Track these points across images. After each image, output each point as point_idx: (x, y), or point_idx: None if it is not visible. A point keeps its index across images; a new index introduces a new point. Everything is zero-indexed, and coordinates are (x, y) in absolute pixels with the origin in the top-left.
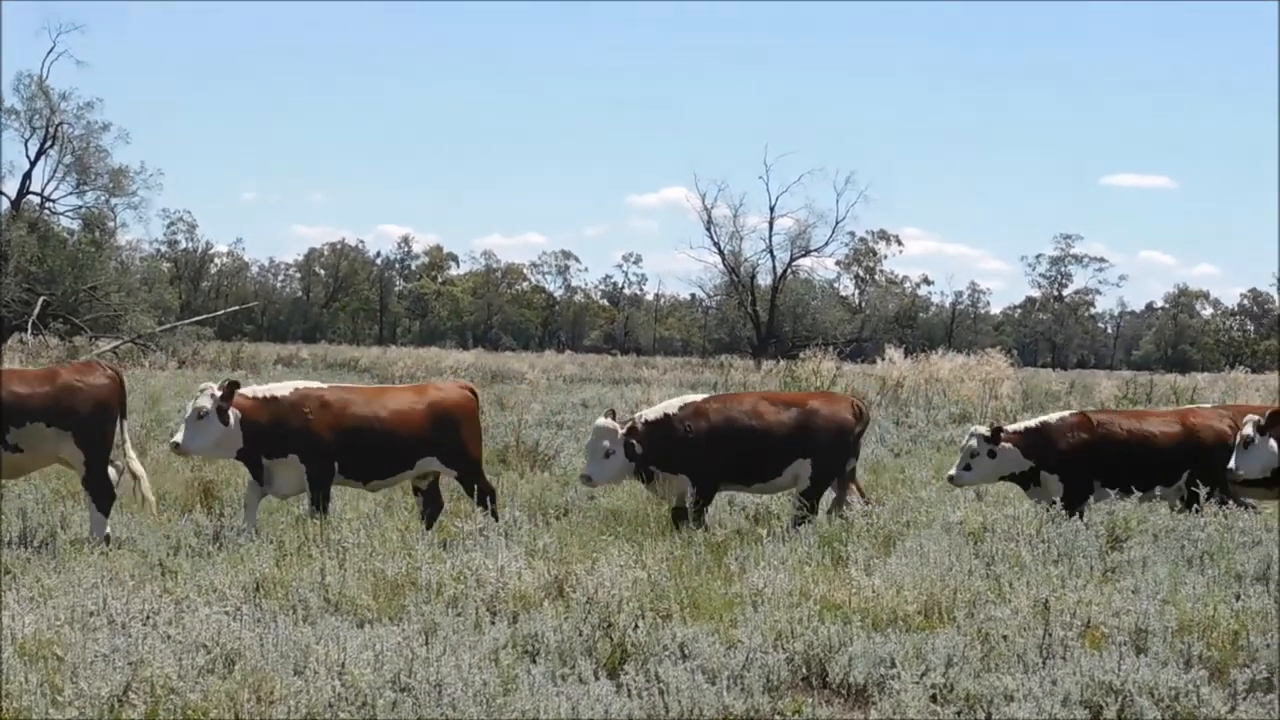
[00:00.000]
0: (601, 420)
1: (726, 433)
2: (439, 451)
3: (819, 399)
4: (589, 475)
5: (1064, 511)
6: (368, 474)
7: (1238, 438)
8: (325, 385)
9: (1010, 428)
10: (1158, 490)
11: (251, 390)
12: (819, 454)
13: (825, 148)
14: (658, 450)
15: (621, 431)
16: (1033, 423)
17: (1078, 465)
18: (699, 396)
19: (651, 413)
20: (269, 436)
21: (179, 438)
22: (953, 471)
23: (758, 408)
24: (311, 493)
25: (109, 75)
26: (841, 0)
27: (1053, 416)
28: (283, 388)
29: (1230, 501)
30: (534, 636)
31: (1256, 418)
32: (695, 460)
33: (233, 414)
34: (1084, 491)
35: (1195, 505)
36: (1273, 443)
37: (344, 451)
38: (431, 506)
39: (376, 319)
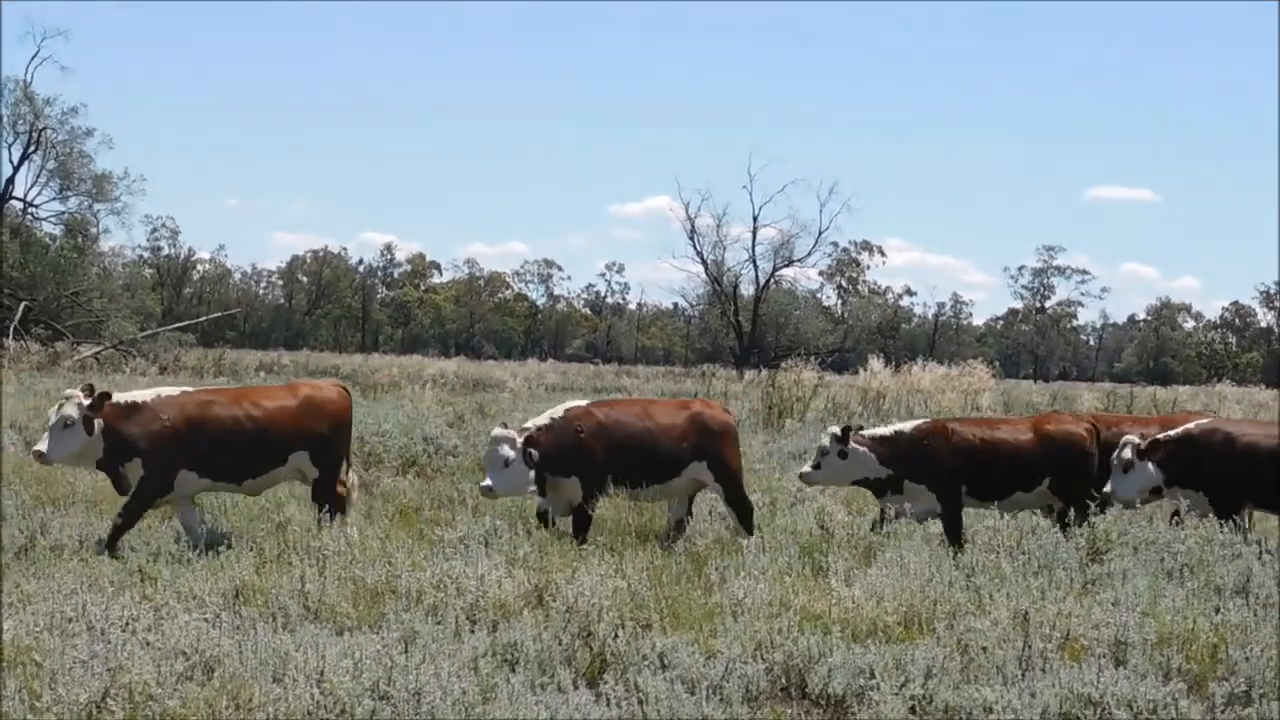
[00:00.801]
0: (498, 430)
1: (617, 435)
2: (309, 449)
3: (700, 403)
4: (490, 486)
5: (944, 523)
6: (236, 474)
7: (1114, 460)
8: (188, 389)
9: (867, 432)
10: (1018, 497)
11: (115, 397)
12: (714, 456)
13: (809, 158)
14: (550, 455)
15: (520, 439)
16: (887, 430)
17: (942, 473)
18: (585, 401)
19: (543, 419)
20: (124, 444)
21: (42, 446)
22: (805, 468)
23: (649, 410)
24: (140, 499)
25: (93, 81)
26: (827, 10)
27: (908, 425)
28: (146, 394)
29: (1093, 510)
30: (513, 645)
31: (1135, 440)
32: (584, 463)
33: (97, 423)
34: (957, 499)
35: (1065, 517)
36: (1151, 467)
37: (206, 453)
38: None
39: (359, 326)
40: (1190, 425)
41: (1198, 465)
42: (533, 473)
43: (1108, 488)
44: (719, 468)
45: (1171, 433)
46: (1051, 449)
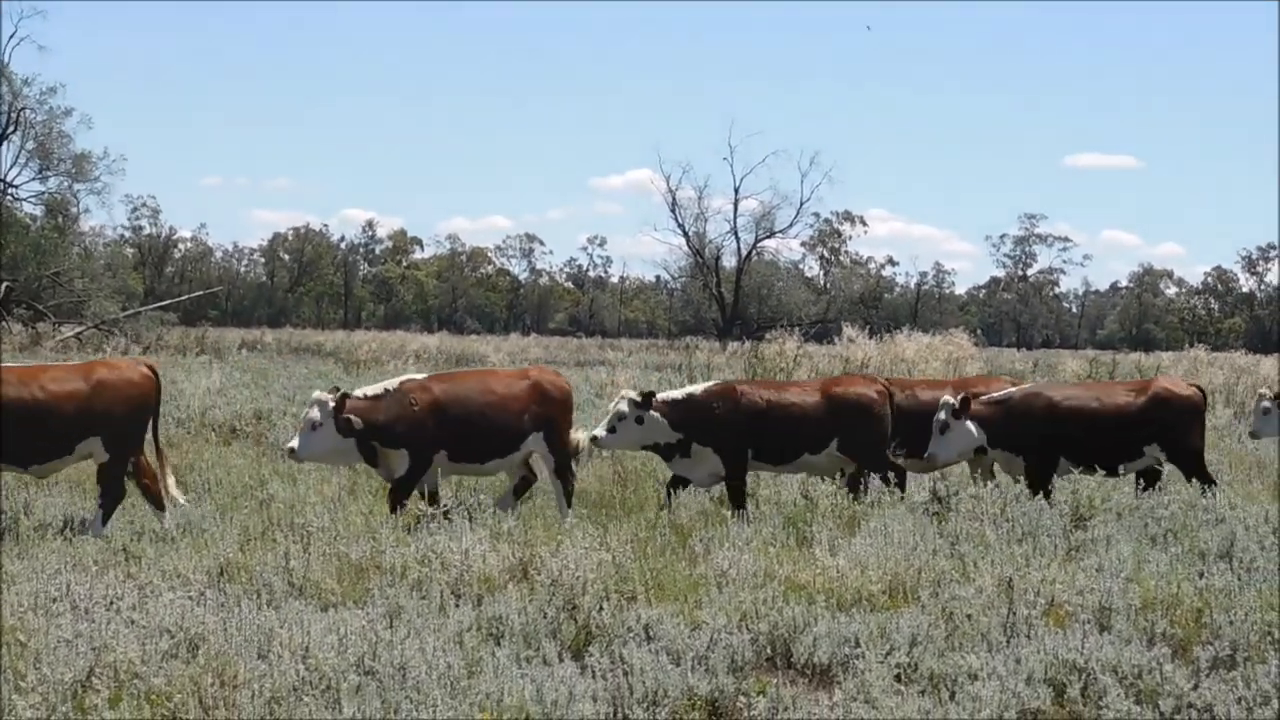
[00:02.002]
0: (317, 393)
1: (454, 409)
2: (102, 433)
3: (536, 371)
4: (293, 448)
5: (727, 487)
6: (24, 459)
7: (934, 423)
8: None
9: (660, 396)
10: (807, 459)
11: None
12: (550, 427)
13: (790, 129)
14: (381, 426)
15: (331, 404)
16: (679, 394)
17: (727, 437)
18: (421, 375)
19: (375, 388)
20: None
21: None
22: (598, 432)
23: (486, 383)
24: None
25: (71, 60)
26: None
27: (698, 388)
28: None
29: (889, 474)
30: (498, 619)
31: (950, 401)
32: (414, 436)
33: None
34: (741, 463)
35: (858, 480)
36: (971, 426)
37: None
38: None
39: (341, 303)
40: (1012, 389)
41: (1019, 427)
42: (351, 441)
43: (929, 448)
44: (554, 439)
45: (994, 394)
46: (839, 411)
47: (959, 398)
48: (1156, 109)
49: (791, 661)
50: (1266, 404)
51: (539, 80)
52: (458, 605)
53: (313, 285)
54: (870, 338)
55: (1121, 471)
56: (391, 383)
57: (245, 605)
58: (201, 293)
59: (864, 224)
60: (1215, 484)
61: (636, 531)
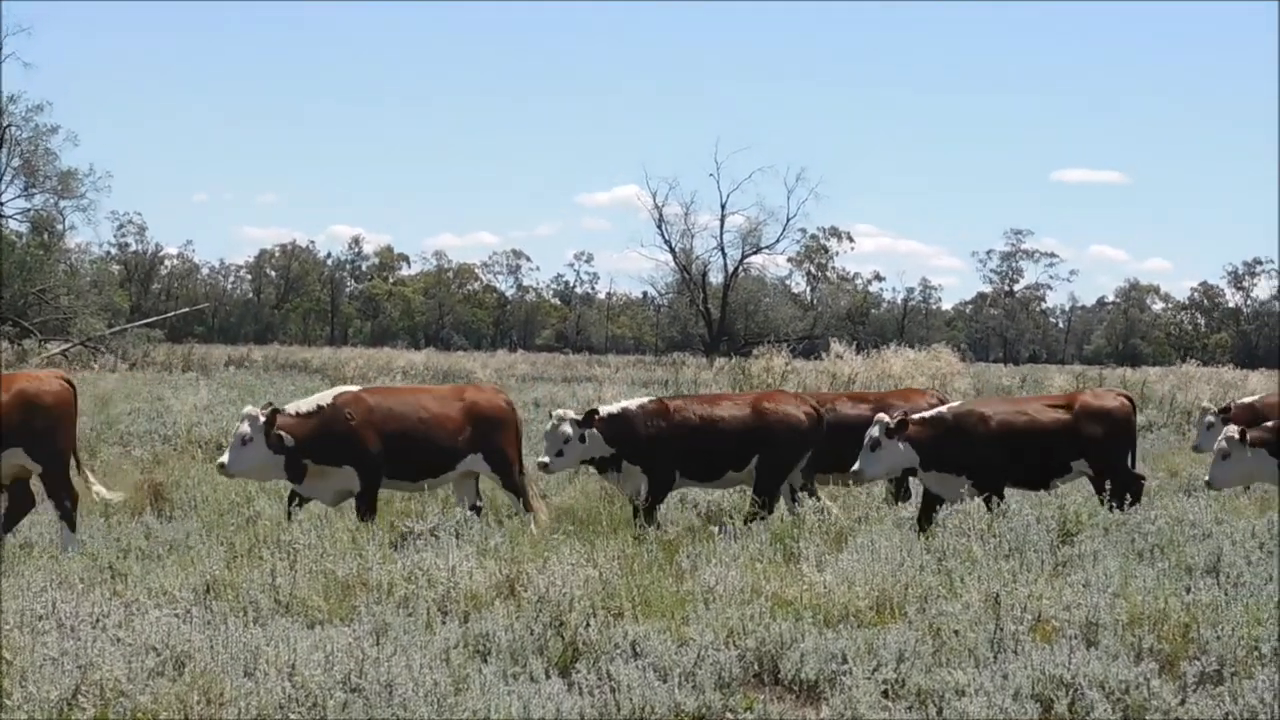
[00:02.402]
0: (248, 407)
1: (390, 424)
2: (23, 445)
3: (473, 390)
4: (224, 464)
5: (646, 502)
6: None
7: (866, 439)
8: None
9: (601, 412)
10: (731, 475)
11: None
12: (490, 446)
13: (776, 145)
14: (315, 443)
15: (262, 419)
16: (615, 409)
17: (655, 453)
18: (356, 388)
19: (308, 403)
20: None
21: None
22: (545, 459)
23: (421, 400)
24: None
25: (57, 77)
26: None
27: (633, 403)
28: None
29: (805, 491)
30: (485, 636)
31: (886, 420)
32: (357, 451)
33: None
34: (666, 481)
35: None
36: (901, 446)
37: None
38: (18, 506)
39: (328, 320)
40: (943, 408)
41: (955, 447)
42: (282, 457)
43: (856, 465)
44: (495, 457)
45: (925, 414)
46: (766, 427)
47: (895, 418)
48: (1143, 124)
49: (779, 678)
50: (1210, 418)
51: (526, 96)
52: (444, 622)
53: (299, 302)
54: (857, 353)
55: (1052, 486)
56: (325, 398)
57: (231, 623)
58: (188, 309)
59: (850, 240)
60: (1138, 500)
61: (623, 548)
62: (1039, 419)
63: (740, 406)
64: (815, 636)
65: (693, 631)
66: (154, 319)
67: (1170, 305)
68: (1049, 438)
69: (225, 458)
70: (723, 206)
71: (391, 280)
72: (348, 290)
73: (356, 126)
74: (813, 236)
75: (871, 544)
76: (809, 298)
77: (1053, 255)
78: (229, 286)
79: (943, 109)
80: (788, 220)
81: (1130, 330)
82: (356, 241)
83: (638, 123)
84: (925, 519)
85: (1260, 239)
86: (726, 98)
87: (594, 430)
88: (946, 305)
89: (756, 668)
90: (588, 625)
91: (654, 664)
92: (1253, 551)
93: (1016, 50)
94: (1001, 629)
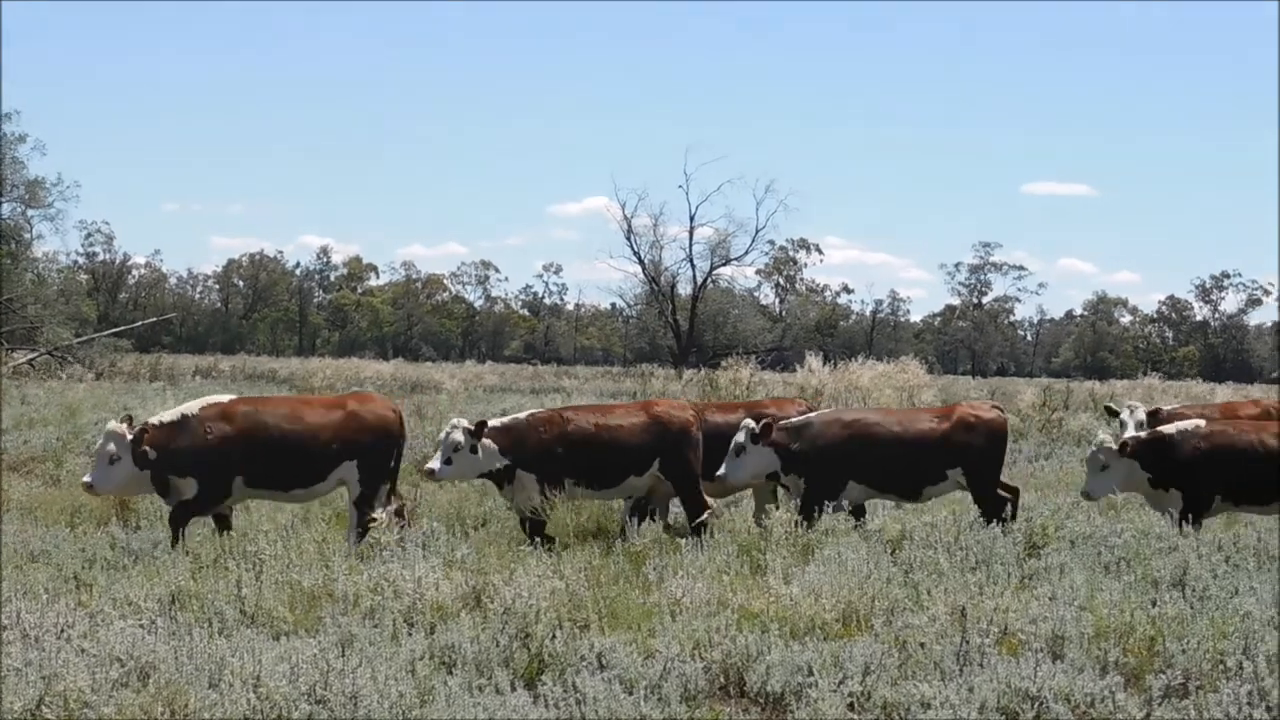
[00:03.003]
0: (111, 424)
1: (257, 435)
2: None
3: (355, 399)
4: (89, 483)
5: (530, 510)
6: None
7: (732, 444)
8: None
9: (492, 423)
10: (631, 482)
11: None
12: (365, 456)
13: (746, 157)
14: (172, 455)
15: (129, 436)
16: (507, 420)
17: (548, 462)
18: (226, 397)
19: (170, 414)
20: None
21: None
22: (433, 465)
23: (295, 410)
24: None
25: (25, 86)
26: (763, 8)
27: (524, 414)
28: None
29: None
30: (451, 647)
31: (751, 425)
32: (205, 464)
33: None
34: (556, 488)
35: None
36: (768, 451)
37: None
38: None
39: (296, 330)
40: (811, 415)
41: (819, 453)
42: (148, 472)
43: (721, 470)
44: (366, 468)
45: (793, 420)
46: (661, 433)
47: (760, 423)
48: (1112, 138)
49: (745, 690)
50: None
51: (496, 107)
52: (410, 633)
53: (267, 312)
54: (824, 365)
55: (925, 496)
56: (191, 407)
57: (197, 633)
58: (156, 319)
59: (820, 251)
60: (1005, 519)
61: (590, 559)
62: (910, 428)
63: (634, 413)
64: (781, 649)
65: (659, 643)
66: (122, 328)
67: (1138, 318)
68: (921, 446)
69: (90, 477)
70: (692, 218)
71: (360, 291)
72: (316, 300)
73: (325, 137)
74: (781, 248)
75: (838, 556)
76: (778, 309)
77: (1021, 268)
78: (197, 296)
79: (912, 121)
80: (757, 232)
81: (1098, 343)
82: (325, 252)
83: (608, 134)
84: (757, 519)
85: (1228, 252)
86: (697, 110)
87: (487, 441)
88: (915, 317)
89: (722, 680)
90: (554, 637)
91: (620, 676)
92: (1219, 565)
93: (986, 63)
94: (967, 642)
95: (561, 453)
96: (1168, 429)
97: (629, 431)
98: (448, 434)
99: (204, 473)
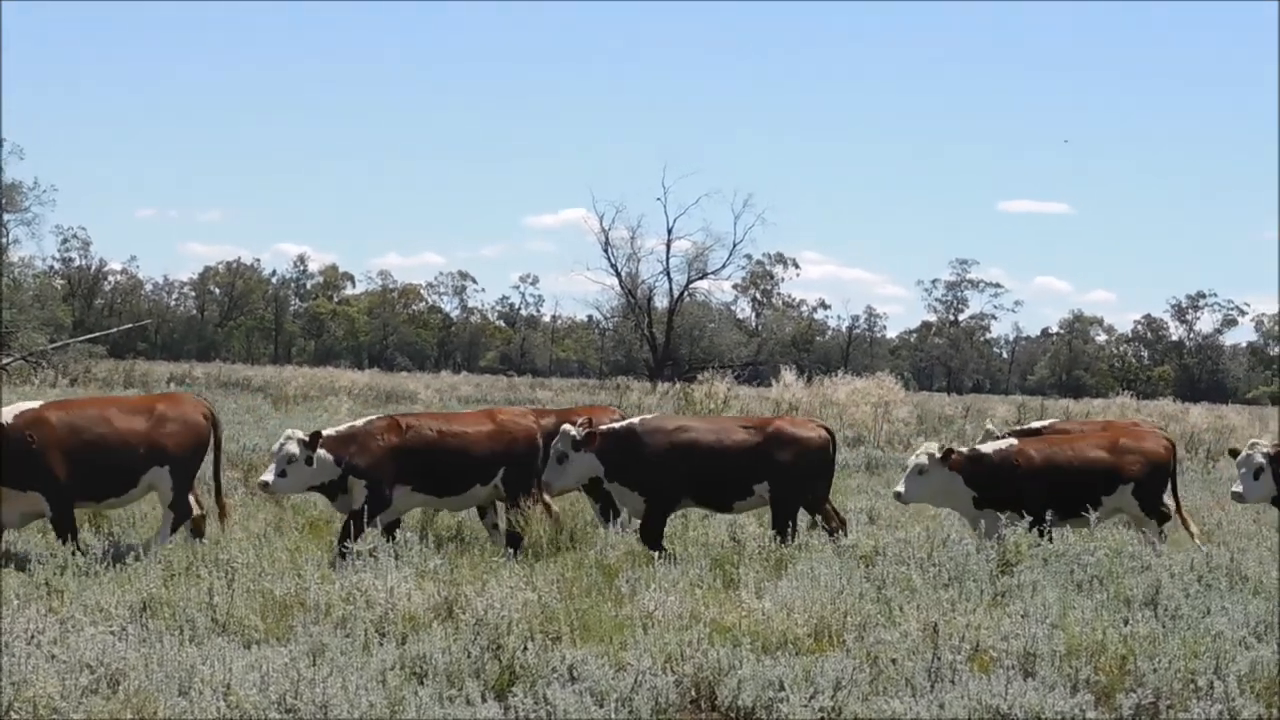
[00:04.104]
0: None
1: (74, 441)
2: None
3: (164, 401)
4: None
5: (352, 517)
6: None
7: (552, 451)
8: None
9: (327, 433)
10: (476, 491)
11: None
12: (175, 461)
13: (723, 170)
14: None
15: None
16: (344, 428)
17: (381, 470)
18: (36, 403)
19: None
20: None
21: None
22: (267, 477)
23: (106, 414)
24: None
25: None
26: (743, 21)
27: (361, 421)
28: None
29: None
30: (422, 658)
31: (573, 432)
32: (44, 475)
33: None
34: (384, 498)
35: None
36: (590, 457)
37: None
38: None
39: (271, 338)
40: (634, 420)
41: (635, 460)
42: None
43: (544, 475)
44: (178, 473)
45: (614, 426)
46: (507, 441)
47: (583, 430)
48: (1089, 156)
49: (715, 704)
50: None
51: (473, 118)
52: (381, 644)
53: (243, 320)
54: (798, 379)
55: (734, 509)
56: (4, 415)
57: (167, 641)
58: (131, 326)
59: (796, 266)
60: (793, 538)
61: (563, 571)
62: (725, 439)
63: (479, 421)
64: (753, 663)
65: (630, 656)
66: (97, 334)
67: (1114, 337)
68: (733, 458)
69: None
70: (669, 231)
71: (336, 299)
72: (292, 309)
73: (302, 145)
74: (758, 263)
75: (811, 571)
76: (754, 324)
77: (998, 285)
78: (173, 303)
79: (890, 137)
80: (734, 246)
81: (1074, 362)
82: (302, 260)
83: (586, 146)
84: (604, 522)
85: (1204, 273)
86: (675, 123)
87: (322, 452)
88: (891, 334)
89: (694, 694)
90: (525, 648)
91: (591, 688)
92: (1191, 584)
93: (964, 82)
94: (939, 658)
95: (401, 461)
96: (984, 448)
97: (473, 440)
98: (281, 445)
99: (44, 485)
